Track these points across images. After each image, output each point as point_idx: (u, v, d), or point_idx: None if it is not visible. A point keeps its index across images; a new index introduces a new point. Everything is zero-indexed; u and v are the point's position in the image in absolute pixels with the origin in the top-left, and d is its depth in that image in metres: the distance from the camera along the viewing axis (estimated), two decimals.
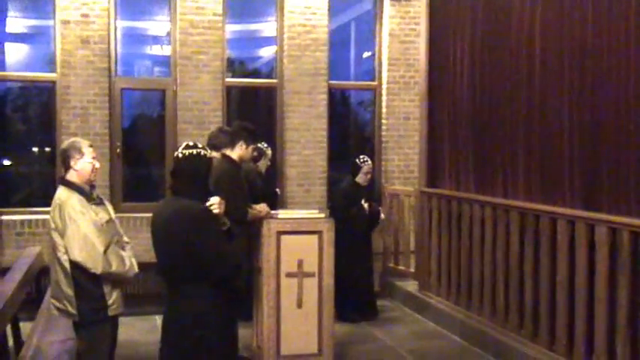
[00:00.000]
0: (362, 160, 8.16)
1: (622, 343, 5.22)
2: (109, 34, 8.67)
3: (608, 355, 5.38)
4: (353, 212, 8.03)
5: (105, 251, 4.57)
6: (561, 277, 5.91)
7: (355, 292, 7.95)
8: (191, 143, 4.17)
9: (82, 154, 4.74)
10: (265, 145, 8.18)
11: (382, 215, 8.71)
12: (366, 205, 8.18)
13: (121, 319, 4.97)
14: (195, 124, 8.80)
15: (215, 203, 4.06)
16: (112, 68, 8.76)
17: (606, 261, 5.37)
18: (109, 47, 8.66)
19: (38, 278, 7.41)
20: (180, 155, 4.11)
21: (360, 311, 8.02)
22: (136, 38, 9.42)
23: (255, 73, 9.92)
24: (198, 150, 4.07)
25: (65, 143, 4.92)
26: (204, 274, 3.95)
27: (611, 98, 5.46)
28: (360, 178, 8.16)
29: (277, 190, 8.73)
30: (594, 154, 5.65)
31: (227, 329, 4.22)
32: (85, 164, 4.73)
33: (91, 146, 4.84)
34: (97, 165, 4.84)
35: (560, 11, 6.08)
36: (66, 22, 8.51)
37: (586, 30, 5.73)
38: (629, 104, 5.26)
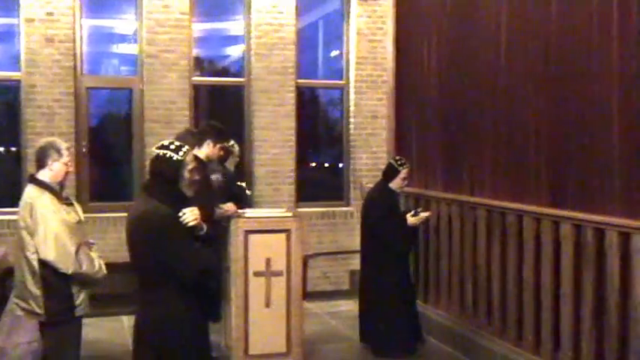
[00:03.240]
0: (400, 163, 6.95)
1: (587, 338, 5.28)
2: (74, 33, 8.57)
3: (574, 350, 5.44)
4: (398, 226, 6.84)
5: (76, 251, 4.54)
6: (528, 273, 5.96)
7: (399, 323, 6.77)
8: (166, 143, 4.04)
9: (60, 155, 4.72)
10: (232, 143, 8.14)
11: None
12: (411, 217, 6.93)
13: (88, 320, 4.94)
14: (163, 123, 8.73)
15: (187, 214, 3.92)
16: (78, 67, 8.66)
17: (571, 257, 5.43)
18: (74, 46, 8.57)
19: (3, 280, 7.31)
20: (152, 154, 4.04)
21: (403, 344, 6.81)
22: (102, 37, 9.33)
23: (224, 72, 9.87)
24: (165, 152, 3.94)
25: (44, 141, 4.89)
26: (172, 278, 3.90)
27: (577, 98, 5.51)
28: (396, 184, 6.92)
29: (248, 191, 8.66)
30: (560, 153, 5.71)
31: (199, 333, 4.15)
32: (60, 166, 4.71)
33: (68, 149, 4.81)
34: (71, 169, 4.81)
35: (525, 11, 6.13)
36: (30, 21, 8.40)
37: (551, 29, 5.78)
38: (594, 104, 5.32)
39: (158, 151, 3.98)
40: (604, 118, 5.22)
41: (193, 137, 6.07)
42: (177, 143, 4.04)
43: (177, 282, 3.89)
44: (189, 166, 3.97)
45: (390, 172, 6.94)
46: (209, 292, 4.32)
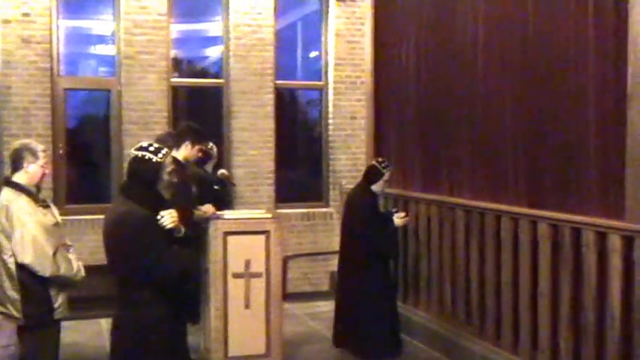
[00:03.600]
0: (384, 165, 6.84)
1: (564, 337, 5.32)
2: (51, 34, 8.52)
3: (552, 349, 5.48)
4: (386, 230, 6.81)
5: (54, 254, 4.51)
6: (506, 273, 6.00)
7: (380, 325, 6.73)
8: (145, 144, 4.01)
9: (36, 157, 4.69)
10: (210, 146, 8.13)
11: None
12: (398, 218, 6.90)
13: (67, 323, 4.91)
14: (141, 125, 8.70)
15: (166, 217, 3.90)
16: (55, 68, 8.61)
17: (548, 257, 5.47)
18: (51, 47, 8.52)
19: None
20: (130, 155, 4.02)
21: (384, 346, 6.75)
22: (79, 38, 9.28)
23: (202, 73, 9.85)
24: (144, 153, 3.92)
25: (19, 144, 4.85)
26: (150, 281, 3.88)
27: (553, 99, 5.55)
28: (379, 186, 6.85)
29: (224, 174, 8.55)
30: (537, 154, 5.74)
31: (177, 335, 4.13)
32: (36, 168, 4.68)
33: (44, 151, 4.78)
34: (47, 171, 4.78)
35: (502, 12, 6.16)
36: (6, 22, 8.33)
37: (528, 30, 5.82)
38: (571, 105, 5.36)
39: (137, 152, 3.95)
40: (580, 119, 5.26)
41: (173, 138, 6.05)
42: (156, 145, 4.01)
43: (154, 284, 3.87)
44: (168, 168, 3.96)
45: (373, 175, 6.84)
46: (187, 294, 4.30)
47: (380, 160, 6.98)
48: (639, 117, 4.49)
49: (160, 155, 3.93)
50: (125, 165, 8.22)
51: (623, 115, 4.76)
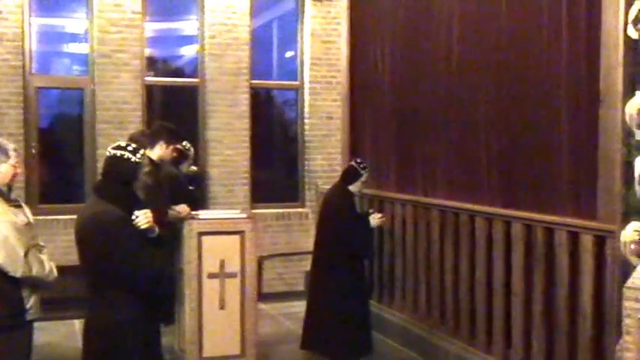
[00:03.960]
0: (362, 166, 6.81)
1: (537, 335, 5.36)
2: (23, 31, 8.43)
3: (525, 348, 5.52)
4: (365, 232, 6.81)
5: (25, 254, 4.46)
6: (480, 272, 6.03)
7: (352, 326, 6.68)
8: (123, 144, 3.99)
9: (7, 156, 4.62)
10: (188, 146, 8.09)
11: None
12: (375, 219, 6.86)
13: (40, 324, 4.86)
14: (115, 124, 8.63)
15: (140, 217, 3.87)
16: (27, 66, 8.52)
17: (522, 256, 5.50)
18: (23, 45, 8.43)
19: None
20: (107, 154, 3.98)
21: (354, 347, 6.71)
22: (52, 35, 9.20)
23: (177, 73, 9.80)
24: (122, 152, 3.90)
25: None
26: (122, 281, 3.85)
27: (527, 100, 5.59)
28: (356, 187, 6.82)
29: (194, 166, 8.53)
30: (511, 155, 5.78)
31: (150, 337, 4.10)
32: (8, 167, 4.61)
33: (15, 150, 4.72)
34: (19, 171, 4.72)
35: (477, 13, 6.19)
36: None
37: (502, 31, 5.85)
38: (544, 107, 5.40)
39: (115, 151, 3.93)
40: (553, 120, 5.31)
41: (147, 138, 6.02)
42: (134, 145, 4.00)
43: (127, 285, 3.84)
44: (145, 169, 3.94)
45: (351, 175, 6.82)
46: (161, 294, 4.27)
47: (358, 161, 6.96)
48: (611, 118, 4.53)
49: (138, 155, 3.92)
50: (99, 165, 8.24)
51: (595, 117, 4.80)
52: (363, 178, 6.81)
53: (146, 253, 3.87)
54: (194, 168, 8.42)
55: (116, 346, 3.86)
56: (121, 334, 3.85)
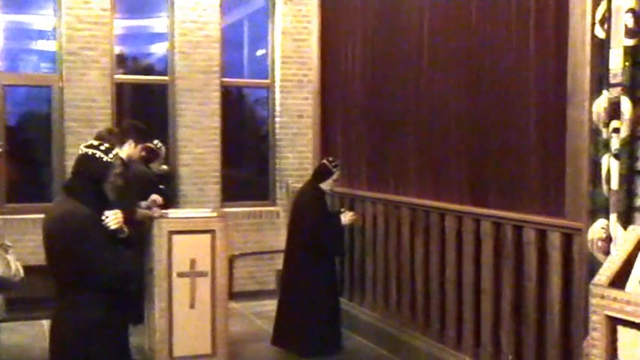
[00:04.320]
0: (334, 164, 6.89)
1: (506, 333, 5.41)
2: None
3: (494, 345, 5.56)
4: (336, 229, 6.86)
5: None
6: (450, 270, 6.07)
7: (322, 323, 6.75)
8: (95, 143, 3.97)
9: None
10: (159, 145, 8.05)
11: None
12: (346, 217, 6.92)
13: (7, 325, 4.80)
14: (84, 122, 8.54)
15: (110, 218, 3.84)
16: None
17: (491, 254, 5.55)
18: None
19: None
20: (79, 152, 3.94)
21: (325, 344, 6.77)
22: (19, 33, 9.09)
23: (147, 70, 9.74)
24: (94, 151, 3.87)
25: None
26: (89, 281, 3.82)
27: (496, 99, 5.63)
28: (328, 185, 6.88)
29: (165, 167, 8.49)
30: (480, 153, 5.83)
31: (117, 337, 4.06)
32: None
33: None
34: None
35: (447, 14, 6.23)
36: None
37: (471, 31, 5.89)
38: (513, 106, 5.45)
39: (87, 150, 3.91)
40: (522, 119, 5.35)
41: (114, 136, 5.97)
42: (107, 145, 3.98)
43: (93, 285, 3.81)
44: (117, 170, 3.92)
45: (322, 173, 6.89)
46: (128, 295, 4.24)
47: (330, 159, 7.02)
48: (578, 117, 4.58)
49: (110, 155, 3.90)
50: (67, 163, 8.17)
51: (563, 115, 4.85)
52: (334, 176, 6.86)
53: (113, 253, 3.84)
54: (165, 167, 8.39)
55: (82, 347, 3.83)
56: (88, 333, 3.82)
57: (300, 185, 8.00)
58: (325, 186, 6.87)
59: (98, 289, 3.82)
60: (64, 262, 3.82)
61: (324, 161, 7.02)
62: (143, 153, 6.35)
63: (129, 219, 5.00)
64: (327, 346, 6.77)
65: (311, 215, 6.76)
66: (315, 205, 6.80)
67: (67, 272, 3.82)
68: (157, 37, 9.51)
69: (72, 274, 3.81)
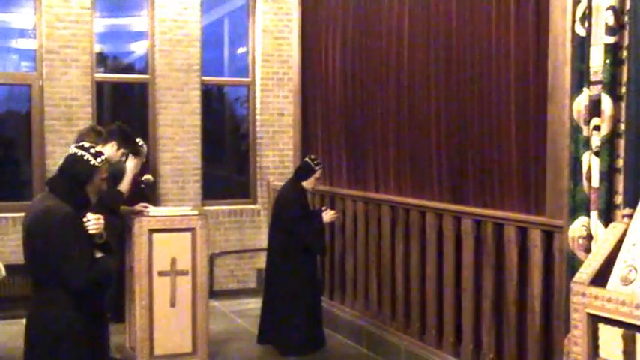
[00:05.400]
0: (316, 162, 6.89)
1: (487, 330, 5.43)
2: None
3: (475, 343, 5.58)
4: (317, 227, 6.81)
5: None
6: (430, 268, 6.08)
7: (305, 321, 6.74)
8: (87, 145, 4.00)
9: None
10: (141, 143, 8.00)
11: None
12: (327, 215, 6.86)
13: None
14: (64, 121, 8.49)
15: (92, 221, 3.83)
16: None
17: (471, 251, 5.57)
18: None
19: None
20: (69, 151, 3.97)
21: (306, 342, 6.76)
22: None
23: (128, 69, 9.69)
24: (84, 153, 3.89)
25: None
26: (62, 280, 3.79)
27: (476, 97, 5.65)
28: (310, 183, 6.88)
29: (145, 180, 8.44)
30: (460, 151, 5.85)
31: (91, 336, 4.02)
32: None
33: None
34: None
35: (427, 12, 6.24)
36: None
37: (451, 29, 5.91)
38: (493, 105, 5.47)
39: (77, 150, 3.94)
40: (502, 117, 5.38)
41: (97, 135, 5.93)
42: (97, 149, 4.01)
43: (64, 283, 3.78)
44: (103, 175, 3.93)
45: (304, 171, 6.89)
46: (102, 296, 4.18)
47: (312, 157, 7.02)
48: (559, 115, 4.60)
49: (98, 160, 3.93)
50: (48, 162, 8.12)
51: (543, 113, 4.88)
52: (316, 175, 6.85)
53: (87, 257, 3.81)
54: (150, 177, 8.34)
55: (57, 346, 3.80)
56: (64, 331, 3.79)
57: (281, 183, 7.99)
58: (307, 184, 6.86)
59: (65, 287, 3.79)
60: (40, 258, 3.80)
61: (307, 159, 7.02)
62: (122, 158, 6.29)
63: (111, 209, 4.96)
64: (310, 344, 6.77)
65: (291, 213, 6.75)
66: (295, 202, 6.80)
67: (43, 269, 3.80)
68: (138, 36, 9.46)
69: (47, 270, 3.78)
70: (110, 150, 5.93)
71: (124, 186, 5.82)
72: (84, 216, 3.83)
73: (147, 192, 8.02)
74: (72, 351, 3.82)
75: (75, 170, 3.89)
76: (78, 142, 5.66)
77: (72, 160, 3.91)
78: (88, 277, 3.80)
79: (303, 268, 6.75)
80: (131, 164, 5.97)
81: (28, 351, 3.95)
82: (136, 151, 6.11)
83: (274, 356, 6.75)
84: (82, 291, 3.82)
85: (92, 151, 3.94)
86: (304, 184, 6.86)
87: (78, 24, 8.58)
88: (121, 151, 6.03)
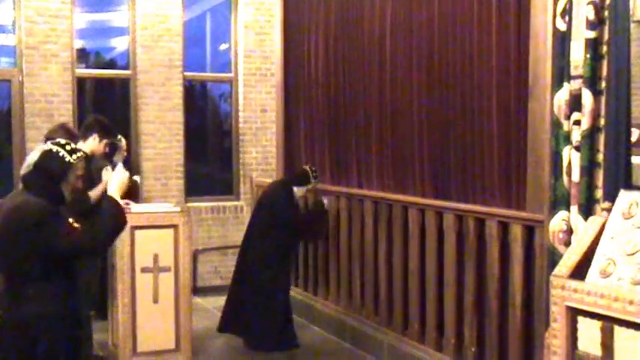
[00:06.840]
0: (315, 175, 6.97)
1: (469, 325, 5.45)
2: None
3: (457, 337, 5.61)
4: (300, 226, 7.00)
5: None
6: (413, 263, 6.10)
7: (276, 318, 6.79)
8: (63, 141, 3.91)
9: None
10: (119, 138, 7.96)
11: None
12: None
13: None
14: (44, 117, 8.43)
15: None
16: None
17: (454, 246, 5.59)
18: None
19: None
20: (45, 148, 3.87)
21: (278, 339, 6.79)
22: None
23: (110, 64, 9.63)
24: (59, 149, 3.81)
25: None
26: (57, 270, 3.75)
27: (457, 92, 5.67)
28: (301, 192, 6.96)
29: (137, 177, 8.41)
30: (442, 147, 5.86)
31: (68, 333, 3.97)
32: None
33: None
34: None
35: (409, 9, 6.24)
36: None
37: (433, 24, 5.92)
38: (475, 101, 5.49)
39: (52, 146, 3.86)
40: (484, 112, 5.40)
41: (66, 132, 5.89)
42: (73, 146, 3.93)
43: (50, 276, 3.73)
44: (78, 172, 3.87)
45: (301, 178, 6.96)
46: (78, 288, 4.14)
47: (313, 168, 7.10)
48: (540, 109, 4.62)
49: (74, 157, 3.84)
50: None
51: (524, 108, 4.90)
52: (310, 186, 6.95)
53: (79, 229, 3.75)
54: (137, 179, 8.29)
55: (32, 341, 3.75)
56: (40, 327, 3.74)
57: (264, 180, 7.99)
58: (298, 192, 6.92)
59: (51, 280, 3.73)
60: (14, 252, 3.73)
61: (306, 168, 7.08)
62: (106, 150, 6.26)
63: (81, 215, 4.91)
64: (285, 342, 6.81)
65: (282, 206, 6.83)
66: (286, 197, 6.87)
67: (19, 263, 3.74)
68: (118, 31, 9.40)
69: (24, 265, 3.73)
70: (93, 143, 5.89)
71: (95, 193, 5.69)
72: (59, 212, 3.77)
73: (130, 188, 7.95)
74: (46, 348, 3.76)
75: (50, 167, 3.80)
76: (46, 139, 5.58)
77: (47, 157, 3.82)
78: (99, 234, 3.80)
79: (278, 267, 6.78)
80: (108, 176, 5.91)
81: (5, 349, 3.89)
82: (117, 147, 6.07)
83: (257, 353, 6.75)
84: (106, 246, 3.95)
85: (68, 147, 3.86)
86: (295, 189, 6.90)
87: (58, 19, 8.52)
88: (104, 141, 6.00)
